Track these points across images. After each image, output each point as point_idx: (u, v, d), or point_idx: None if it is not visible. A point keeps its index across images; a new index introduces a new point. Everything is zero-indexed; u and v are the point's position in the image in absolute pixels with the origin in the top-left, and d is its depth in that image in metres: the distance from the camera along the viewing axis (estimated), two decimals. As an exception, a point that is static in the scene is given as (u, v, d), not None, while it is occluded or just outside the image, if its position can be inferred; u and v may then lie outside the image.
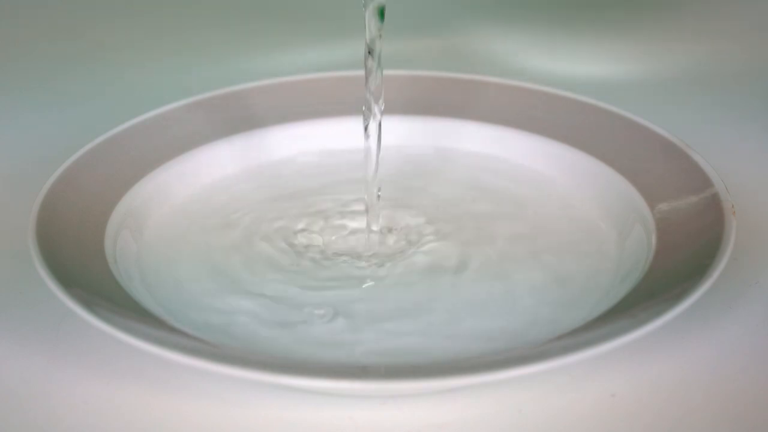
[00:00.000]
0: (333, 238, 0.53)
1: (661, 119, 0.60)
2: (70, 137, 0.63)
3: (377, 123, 0.50)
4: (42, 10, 0.82)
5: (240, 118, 0.60)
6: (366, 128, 0.50)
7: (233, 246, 0.52)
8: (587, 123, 0.59)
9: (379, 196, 0.51)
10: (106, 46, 0.79)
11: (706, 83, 0.72)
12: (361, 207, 0.54)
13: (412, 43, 0.79)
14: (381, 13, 0.47)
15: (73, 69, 0.76)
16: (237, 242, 0.52)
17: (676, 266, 0.47)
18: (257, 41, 0.80)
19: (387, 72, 0.64)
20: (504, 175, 0.58)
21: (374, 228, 0.52)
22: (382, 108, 0.50)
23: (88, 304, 0.43)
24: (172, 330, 0.44)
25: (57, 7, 0.82)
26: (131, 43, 0.80)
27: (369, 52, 0.47)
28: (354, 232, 0.53)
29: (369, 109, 0.50)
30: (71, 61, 0.77)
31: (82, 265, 0.47)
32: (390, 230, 0.53)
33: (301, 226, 0.54)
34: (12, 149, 0.65)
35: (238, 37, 0.81)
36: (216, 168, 0.58)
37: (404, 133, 0.61)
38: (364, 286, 0.49)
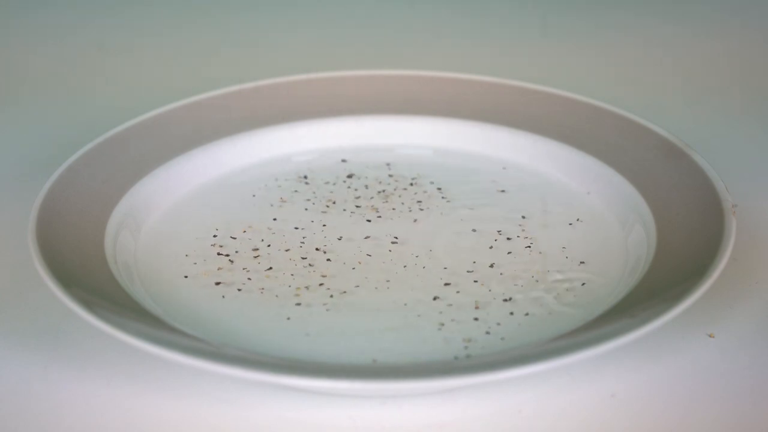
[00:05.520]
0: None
1: (661, 119, 0.60)
2: (70, 137, 0.63)
3: None
4: (42, 9, 0.82)
5: (240, 118, 0.60)
6: None
7: (234, 245, 0.52)
8: (587, 123, 0.59)
9: None
10: (106, 46, 0.79)
11: (706, 83, 0.72)
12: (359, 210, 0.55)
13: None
14: None
15: (73, 69, 0.76)
16: (238, 241, 0.52)
17: (676, 266, 0.47)
18: (256, 40, 0.80)
19: (387, 72, 0.65)
20: (503, 175, 0.58)
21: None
22: None
23: (88, 304, 0.43)
24: (172, 330, 0.44)
25: (57, 6, 0.82)
26: (131, 42, 0.80)
27: None
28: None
29: None
30: (71, 61, 0.77)
31: (82, 265, 0.47)
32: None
33: (305, 223, 0.54)
34: (12, 149, 0.65)
35: (238, 36, 0.81)
36: (216, 168, 0.58)
37: (403, 133, 0.61)
38: None
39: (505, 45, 0.78)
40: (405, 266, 0.50)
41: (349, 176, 0.58)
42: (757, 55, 0.75)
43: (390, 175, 0.58)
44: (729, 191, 0.51)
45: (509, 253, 0.51)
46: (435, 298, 0.48)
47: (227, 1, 0.85)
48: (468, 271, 0.50)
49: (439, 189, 0.57)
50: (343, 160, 0.59)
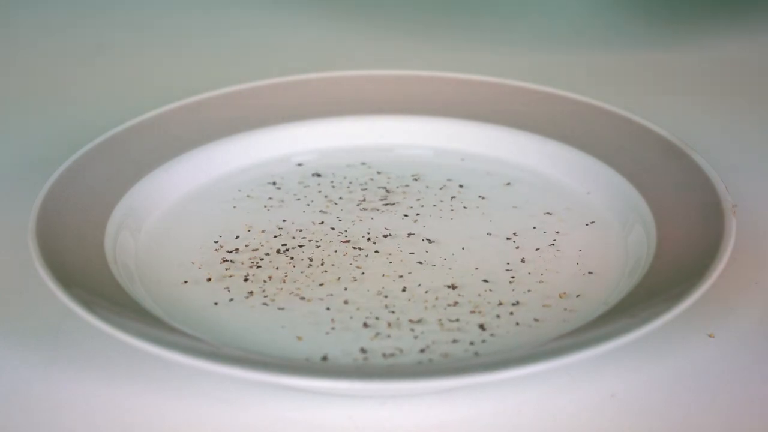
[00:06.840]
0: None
1: (662, 119, 0.60)
2: (70, 137, 0.63)
3: None
4: (42, 9, 0.82)
5: (240, 118, 0.60)
6: None
7: (234, 245, 0.52)
8: (587, 123, 0.59)
9: None
10: (105, 47, 0.79)
11: (706, 83, 0.72)
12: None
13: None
14: None
15: (73, 69, 0.76)
16: (238, 241, 0.52)
17: (676, 266, 0.47)
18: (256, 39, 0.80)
19: (387, 72, 0.65)
20: (503, 175, 0.58)
21: None
22: None
23: (88, 304, 0.43)
24: (172, 330, 0.44)
25: (57, 6, 0.82)
26: (131, 42, 0.80)
27: None
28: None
29: None
30: (71, 61, 0.77)
31: (82, 265, 0.47)
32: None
33: (305, 222, 0.54)
34: (12, 149, 0.65)
35: (238, 36, 0.81)
36: (215, 167, 0.58)
37: (403, 133, 0.61)
38: None
39: (505, 45, 0.78)
40: (415, 261, 0.50)
41: (348, 176, 0.58)
42: (758, 55, 0.75)
43: (381, 173, 0.58)
44: (729, 191, 0.51)
45: (506, 253, 0.51)
46: (437, 298, 0.48)
47: (227, 1, 0.85)
48: (465, 272, 0.50)
49: (441, 189, 0.57)
50: (343, 160, 0.59)
